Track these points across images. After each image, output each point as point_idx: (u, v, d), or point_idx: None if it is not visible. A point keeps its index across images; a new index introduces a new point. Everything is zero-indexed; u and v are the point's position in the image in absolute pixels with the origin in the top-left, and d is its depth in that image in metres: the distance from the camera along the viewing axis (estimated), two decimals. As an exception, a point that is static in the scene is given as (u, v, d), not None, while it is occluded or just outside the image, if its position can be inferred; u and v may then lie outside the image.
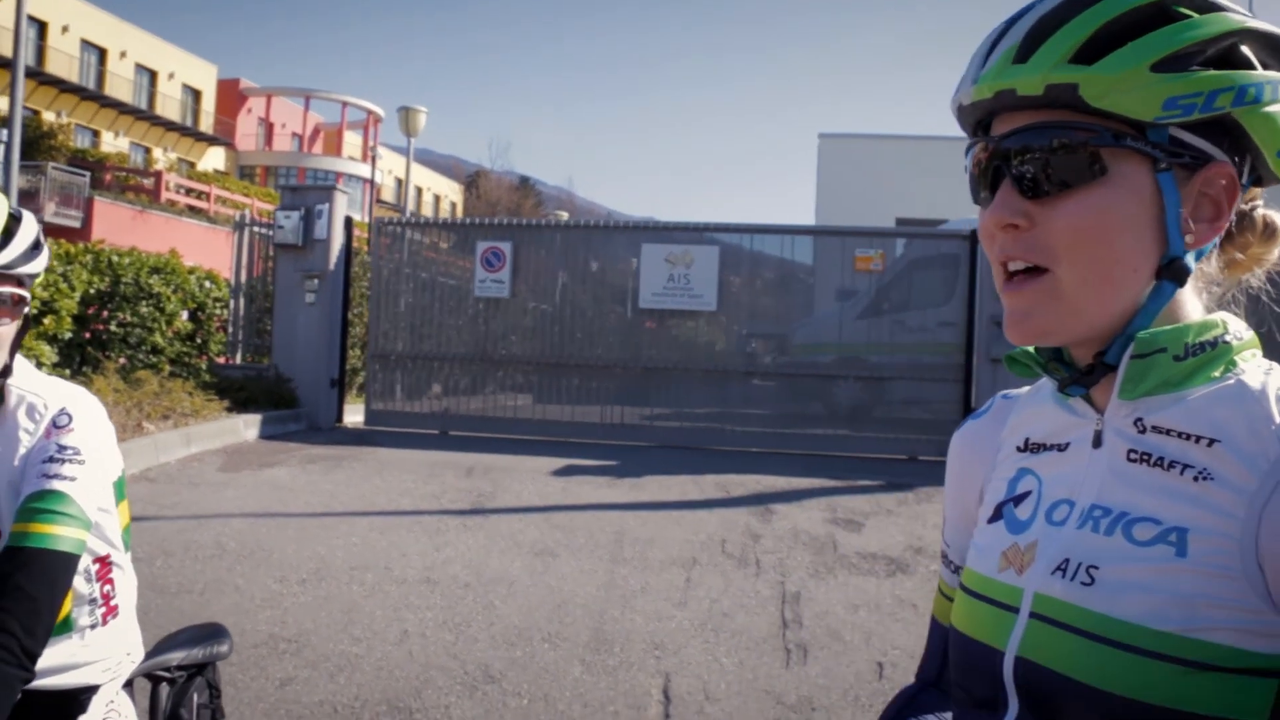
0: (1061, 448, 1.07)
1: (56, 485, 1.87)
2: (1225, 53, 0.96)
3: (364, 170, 50.12)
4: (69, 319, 12.28)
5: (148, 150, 49.97)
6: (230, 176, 49.79)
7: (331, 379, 12.89)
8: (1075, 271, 0.98)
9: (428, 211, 71.90)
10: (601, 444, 12.10)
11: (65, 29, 45.24)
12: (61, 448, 1.92)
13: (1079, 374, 1.03)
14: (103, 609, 2.17)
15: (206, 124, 54.38)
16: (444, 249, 13.97)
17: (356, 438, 12.04)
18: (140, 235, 27.43)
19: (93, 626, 2.16)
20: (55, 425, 1.96)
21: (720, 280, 12.58)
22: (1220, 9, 0.96)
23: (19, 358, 2.05)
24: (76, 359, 12.47)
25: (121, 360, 12.62)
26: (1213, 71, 0.94)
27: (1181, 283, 0.99)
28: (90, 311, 12.75)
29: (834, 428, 12.33)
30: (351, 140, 63.29)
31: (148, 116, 49.92)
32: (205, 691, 2.45)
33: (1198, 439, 0.95)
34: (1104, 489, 1.01)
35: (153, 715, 2.34)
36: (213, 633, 2.52)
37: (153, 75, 50.99)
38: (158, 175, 33.80)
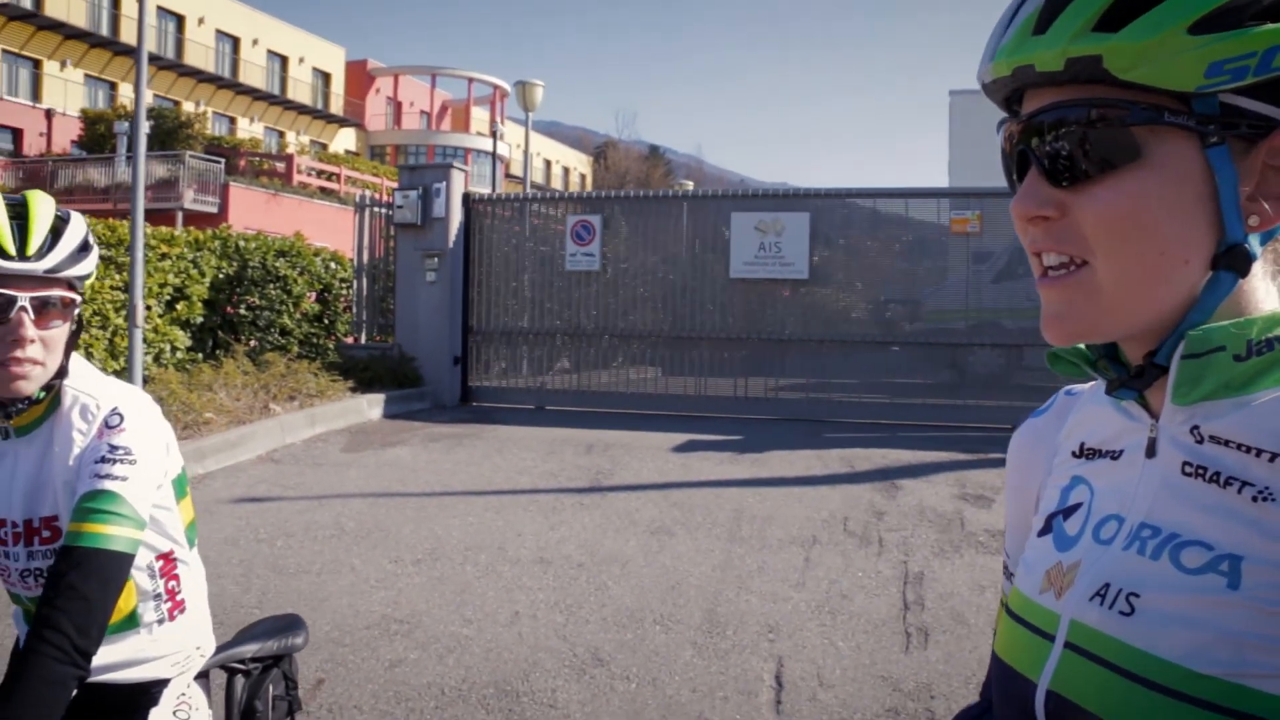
0: (1115, 455, 0.93)
1: (108, 485, 1.84)
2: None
3: (492, 145, 50.84)
4: (200, 304, 12.61)
5: (281, 134, 51.28)
6: (361, 157, 50.74)
7: (454, 357, 12.99)
8: (1114, 265, 0.83)
9: (557, 184, 72.37)
10: (727, 418, 11.97)
11: (201, 21, 46.73)
12: (113, 448, 1.89)
13: (1129, 375, 0.88)
14: (169, 604, 2.14)
15: (336, 106, 55.51)
16: (553, 224, 13.91)
17: (479, 415, 12.10)
18: (273, 218, 28.21)
19: (160, 621, 2.14)
20: (107, 425, 1.93)
21: (828, 246, 12.31)
22: None
23: (76, 357, 2.02)
24: (209, 343, 12.79)
25: (251, 343, 12.91)
26: (1268, 25, 0.77)
27: (1244, 272, 0.82)
28: (220, 296, 13.06)
29: (968, 398, 11.86)
30: (479, 116, 63.71)
31: (280, 101, 51.24)
32: (281, 683, 2.40)
33: (1259, 452, 0.80)
34: (1156, 505, 0.86)
35: (228, 707, 2.33)
36: (288, 624, 2.46)
37: (283, 60, 52.28)
38: (289, 159, 34.58)
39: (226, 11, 48.44)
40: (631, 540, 6.61)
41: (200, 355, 12.46)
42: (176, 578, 2.15)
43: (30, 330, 1.85)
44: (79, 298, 1.97)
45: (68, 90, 40.43)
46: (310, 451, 9.47)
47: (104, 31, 41.39)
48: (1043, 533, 0.97)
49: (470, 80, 64.11)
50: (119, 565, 1.81)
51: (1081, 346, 0.91)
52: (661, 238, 13.05)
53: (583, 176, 77.77)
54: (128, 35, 41.40)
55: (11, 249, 1.83)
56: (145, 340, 11.77)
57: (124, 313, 9.81)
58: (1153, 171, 0.80)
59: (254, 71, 49.83)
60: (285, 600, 5.49)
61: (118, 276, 11.26)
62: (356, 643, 4.95)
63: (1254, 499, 0.78)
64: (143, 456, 1.91)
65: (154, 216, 26.88)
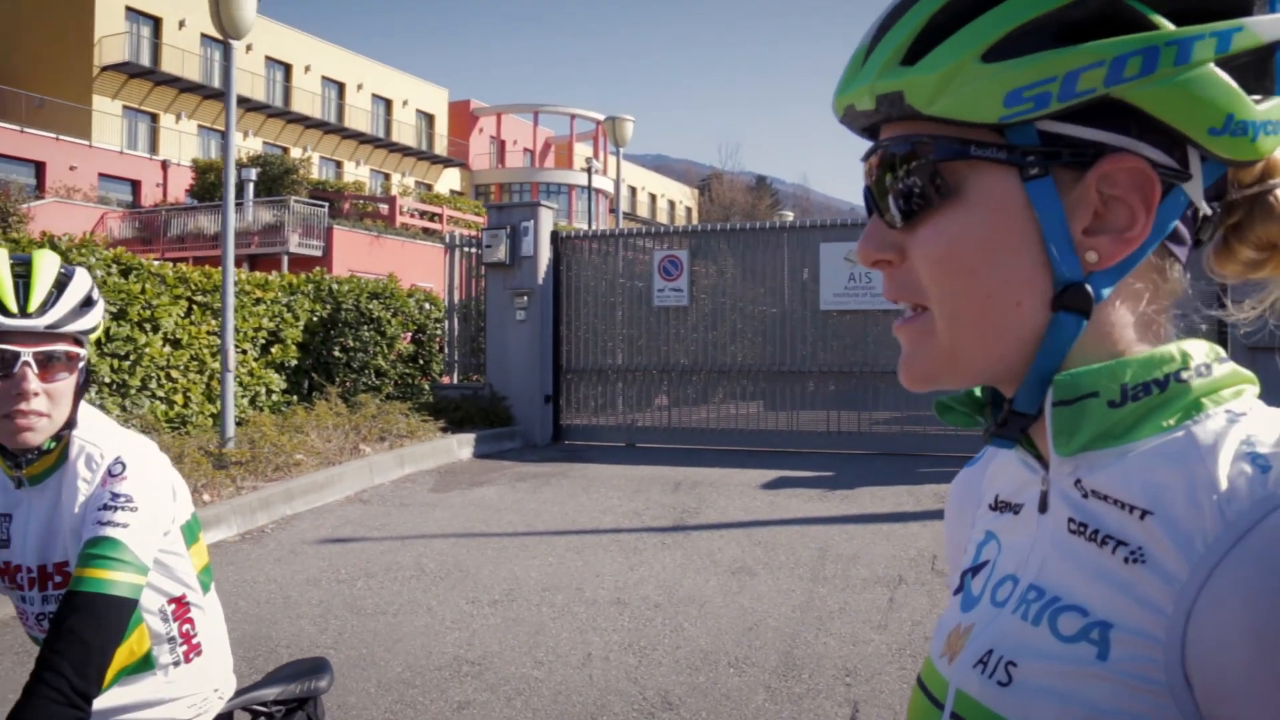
0: (1016, 510, 0.86)
1: (110, 532, 1.86)
2: (1103, 12, 0.71)
3: (597, 181, 51.22)
4: (294, 347, 12.85)
5: (386, 176, 52.38)
6: (464, 196, 51.56)
7: (545, 395, 13.02)
8: (944, 310, 0.78)
9: (663, 218, 72.66)
10: (819, 453, 11.80)
11: (307, 68, 48.14)
12: (115, 495, 1.92)
13: (996, 424, 0.82)
14: (184, 647, 2.15)
15: (440, 147, 56.55)
16: (643, 259, 13.89)
17: (569, 454, 12.10)
18: (377, 259, 28.72)
19: (175, 664, 2.15)
20: (110, 474, 1.96)
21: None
22: None
23: (84, 406, 2.07)
24: (304, 385, 13.01)
25: (345, 384, 13.10)
26: (1065, 48, 0.71)
27: (1086, 314, 0.75)
28: (314, 339, 13.30)
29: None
30: (582, 152, 64.39)
31: (385, 144, 52.38)
32: None
33: (1132, 509, 0.72)
34: (1045, 565, 0.79)
35: None
36: (314, 668, 2.43)
37: (388, 104, 53.50)
38: (392, 200, 35.19)
39: (332, 58, 49.85)
40: (711, 580, 6.50)
41: (295, 397, 12.69)
42: (191, 621, 2.16)
43: (34, 384, 1.91)
44: (83, 351, 2.01)
45: (182, 141, 41.91)
46: (398, 492, 9.53)
47: (215, 84, 42.82)
48: (956, 591, 0.91)
49: (572, 116, 64.84)
50: (119, 610, 1.81)
51: (974, 392, 0.85)
52: (751, 271, 12.95)
53: (688, 209, 78.02)
54: (240, 86, 42.69)
55: (13, 306, 1.89)
56: (241, 383, 12.04)
57: (219, 357, 10.03)
58: (971, 209, 0.75)
59: (359, 116, 51.08)
60: (360, 641, 5.49)
61: (213, 322, 11.53)
62: (426, 684, 4.91)
63: (1125, 560, 0.71)
64: (144, 504, 1.93)
65: (261, 261, 27.74)
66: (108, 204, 34.36)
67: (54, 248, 10.02)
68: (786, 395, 12.57)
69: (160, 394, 10.99)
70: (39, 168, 34.71)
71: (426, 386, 14.13)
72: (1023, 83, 0.70)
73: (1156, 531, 0.69)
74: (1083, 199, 0.73)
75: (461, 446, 11.47)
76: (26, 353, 1.89)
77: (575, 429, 13.29)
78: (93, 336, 2.05)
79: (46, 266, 1.96)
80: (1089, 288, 0.74)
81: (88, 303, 2.00)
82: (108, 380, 10.29)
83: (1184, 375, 0.74)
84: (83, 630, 1.75)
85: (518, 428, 12.72)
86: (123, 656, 2.04)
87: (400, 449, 10.58)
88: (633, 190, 69.55)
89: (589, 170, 31.47)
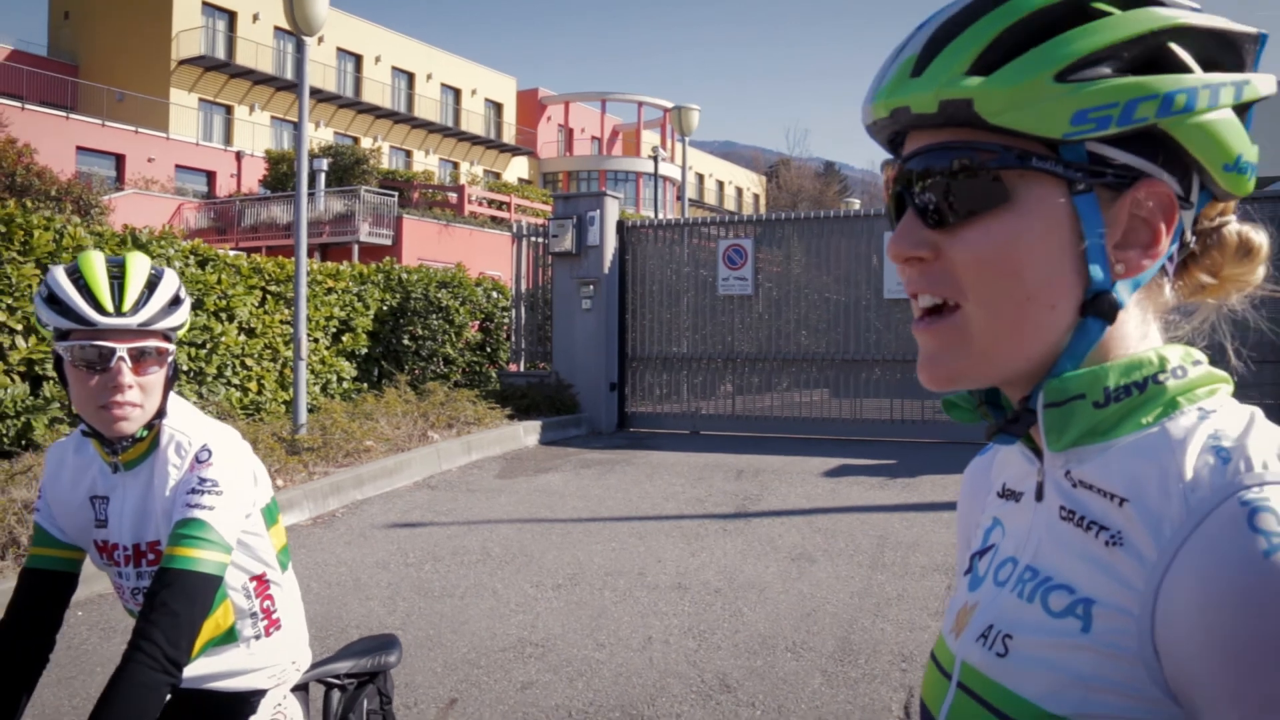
0: (1018, 498, 0.96)
1: (197, 514, 2.02)
2: (1153, 54, 0.81)
3: (664, 169, 51.14)
4: (364, 336, 13.11)
5: (455, 165, 52.77)
6: (533, 185, 51.81)
7: (610, 383, 13.16)
8: (983, 309, 0.85)
9: (730, 205, 72.47)
10: (882, 441, 11.82)
11: (378, 59, 48.69)
12: (202, 480, 2.07)
13: (1007, 420, 0.89)
14: (265, 622, 2.31)
15: (509, 135, 56.89)
16: (708, 248, 13.96)
17: (634, 441, 12.23)
18: (445, 248, 29.07)
19: (256, 637, 2.31)
20: (197, 460, 2.12)
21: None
22: (1150, 3, 0.81)
23: (174, 398, 2.22)
24: (374, 372, 13.27)
25: (415, 371, 13.35)
26: (1131, 78, 0.80)
27: (1110, 319, 0.84)
28: (384, 328, 13.55)
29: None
30: (650, 139, 64.24)
31: (454, 133, 52.83)
32: (375, 699, 2.54)
33: (1113, 497, 0.81)
34: (1041, 549, 0.88)
35: (325, 719, 2.46)
36: (384, 644, 2.57)
37: (457, 93, 53.92)
38: (460, 189, 35.50)
39: (401, 48, 50.35)
40: (772, 566, 6.59)
41: (365, 385, 12.95)
42: (271, 597, 2.31)
43: (128, 377, 2.06)
44: (172, 347, 2.17)
45: (255, 133, 42.63)
46: (465, 478, 9.73)
47: (288, 76, 43.47)
48: (966, 572, 1.00)
49: (640, 104, 64.78)
50: (206, 585, 1.97)
51: (969, 392, 0.92)
52: (816, 258, 12.96)
53: (756, 196, 77.64)
54: (312, 77, 43.34)
55: (109, 305, 2.04)
56: (313, 371, 12.32)
57: (292, 346, 10.29)
58: (1021, 216, 0.82)
59: (428, 105, 51.55)
60: (427, 622, 5.65)
61: (286, 311, 11.82)
62: (491, 664, 5.06)
63: (1106, 543, 0.80)
64: (229, 488, 2.08)
65: (332, 250, 28.18)
66: (184, 195, 35.13)
67: (135, 240, 10.33)
68: (850, 383, 12.59)
69: (235, 382, 11.30)
70: (119, 160, 35.58)
71: (494, 374, 14.34)
72: (1091, 104, 0.79)
73: (1133, 517, 0.78)
74: (1118, 216, 0.82)
75: (527, 433, 11.64)
76: (121, 348, 2.04)
77: (640, 416, 13.42)
78: (180, 333, 2.20)
79: (138, 268, 2.11)
80: (1115, 298, 0.83)
81: (175, 302, 2.15)
82: (185, 368, 10.59)
83: (1161, 378, 0.83)
84: (174, 603, 1.91)
85: (583, 415, 12.88)
86: (209, 629, 2.20)
87: (467, 436, 10.78)
88: (700, 177, 69.37)
89: (655, 158, 31.42)
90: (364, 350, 13.18)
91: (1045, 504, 0.89)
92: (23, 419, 8.84)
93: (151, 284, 2.11)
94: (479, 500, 8.75)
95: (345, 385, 12.78)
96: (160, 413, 2.16)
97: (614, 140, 66.46)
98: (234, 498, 2.08)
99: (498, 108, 56.80)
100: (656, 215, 27.97)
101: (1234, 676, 0.68)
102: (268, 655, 2.32)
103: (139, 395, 2.08)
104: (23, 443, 8.56)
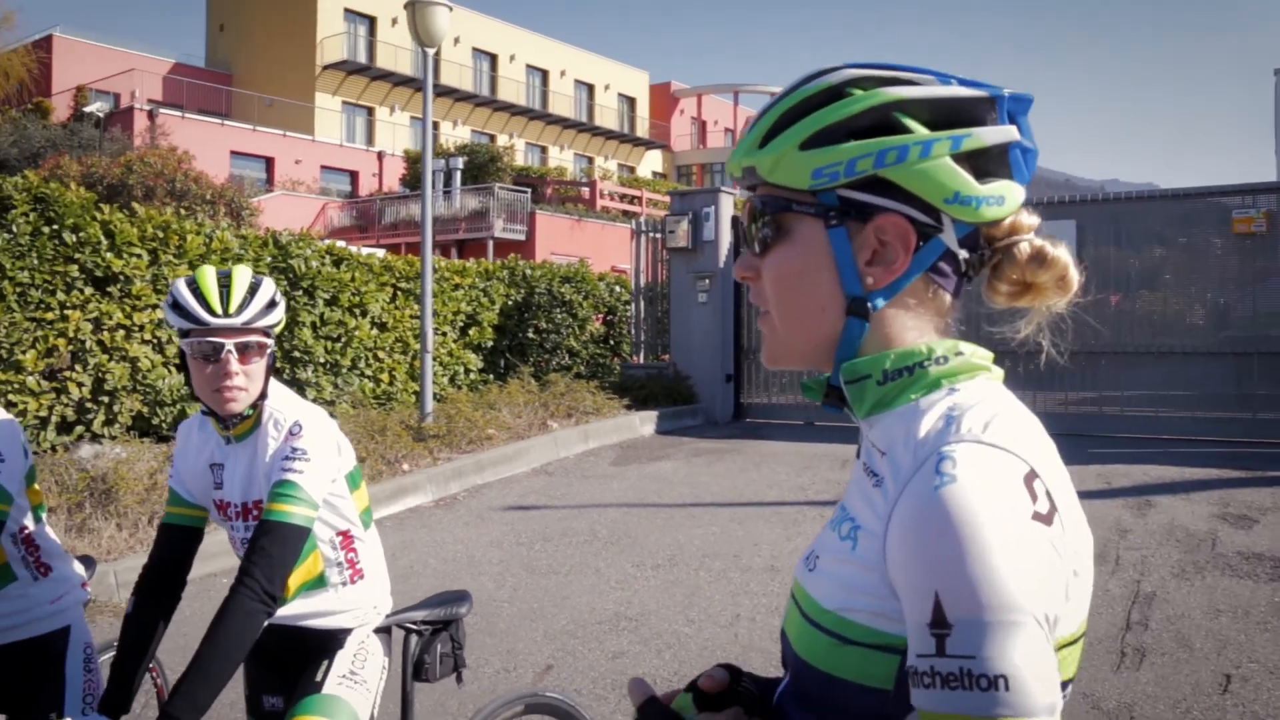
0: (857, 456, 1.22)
1: (290, 476, 2.45)
2: (882, 121, 1.08)
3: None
4: (490, 329, 13.69)
5: (589, 160, 53.49)
6: (666, 179, 52.14)
7: (726, 375, 13.47)
8: (778, 312, 1.16)
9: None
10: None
11: (512, 58, 49.73)
12: (294, 449, 2.50)
13: (827, 395, 1.18)
14: (349, 571, 2.73)
15: (642, 129, 57.37)
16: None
17: (747, 431, 12.51)
18: (577, 243, 29.70)
19: (343, 584, 2.74)
20: (290, 433, 2.55)
21: (1097, 253, 11.80)
22: (885, 83, 1.09)
23: (273, 383, 2.67)
24: (500, 364, 13.85)
25: (539, 363, 13.88)
26: (853, 142, 1.08)
27: (866, 319, 1.12)
28: (509, 321, 14.12)
29: (1259, 410, 11.13)
30: (785, 131, 63.59)
31: (588, 128, 53.62)
32: (449, 644, 2.94)
33: (881, 452, 1.08)
34: (849, 493, 1.15)
35: (404, 659, 2.92)
36: (456, 597, 2.98)
37: (590, 89, 54.71)
38: (592, 184, 36.21)
39: (535, 46, 51.32)
40: (863, 550, 6.82)
41: (491, 376, 13.53)
42: (355, 550, 2.74)
43: (235, 366, 2.51)
44: (270, 341, 2.61)
45: (395, 133, 44.02)
46: (581, 465, 10.17)
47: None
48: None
49: (773, 95, 64.41)
50: (297, 534, 2.41)
51: (824, 376, 1.21)
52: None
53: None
54: (448, 77, 44.68)
55: (219, 309, 2.50)
56: (441, 363, 12.94)
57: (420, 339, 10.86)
58: (795, 246, 1.13)
59: (562, 101, 52.37)
60: (532, 596, 6.08)
61: (415, 307, 12.45)
62: (587, 636, 5.46)
63: (874, 485, 1.07)
64: (316, 456, 2.51)
65: (468, 246, 29.05)
66: (328, 194, 36.60)
67: (276, 243, 11.07)
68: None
69: (368, 373, 11.98)
70: (269, 163, 37.29)
71: (616, 366, 14.78)
72: (822, 163, 1.08)
73: (887, 466, 1.05)
74: (865, 242, 1.10)
75: (644, 423, 12.04)
76: (229, 343, 2.49)
77: (755, 407, 13.70)
78: (276, 329, 2.64)
79: (241, 278, 2.56)
80: (868, 302, 1.12)
81: (271, 304, 2.59)
82: (322, 360, 11.29)
83: (926, 364, 1.10)
84: (270, 548, 2.35)
85: (700, 405, 13.21)
86: (302, 575, 2.62)
87: (585, 425, 11.23)
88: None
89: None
90: (490, 343, 13.77)
91: (859, 459, 1.16)
92: (179, 406, 9.64)
93: (252, 290, 2.56)
94: (592, 485, 9.18)
95: (472, 376, 13.39)
96: (262, 395, 2.59)
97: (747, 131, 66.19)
98: (320, 464, 2.50)
99: (631, 102, 57.31)
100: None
101: (914, 576, 0.95)
102: (353, 599, 2.73)
103: (244, 381, 2.52)
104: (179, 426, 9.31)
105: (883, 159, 1.07)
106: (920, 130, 1.07)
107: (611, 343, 15.59)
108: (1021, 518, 0.93)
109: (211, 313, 2.48)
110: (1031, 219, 1.16)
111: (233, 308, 2.50)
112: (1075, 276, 1.16)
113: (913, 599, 0.94)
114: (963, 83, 1.12)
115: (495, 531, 7.61)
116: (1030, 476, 0.96)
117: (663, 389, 13.07)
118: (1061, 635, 0.97)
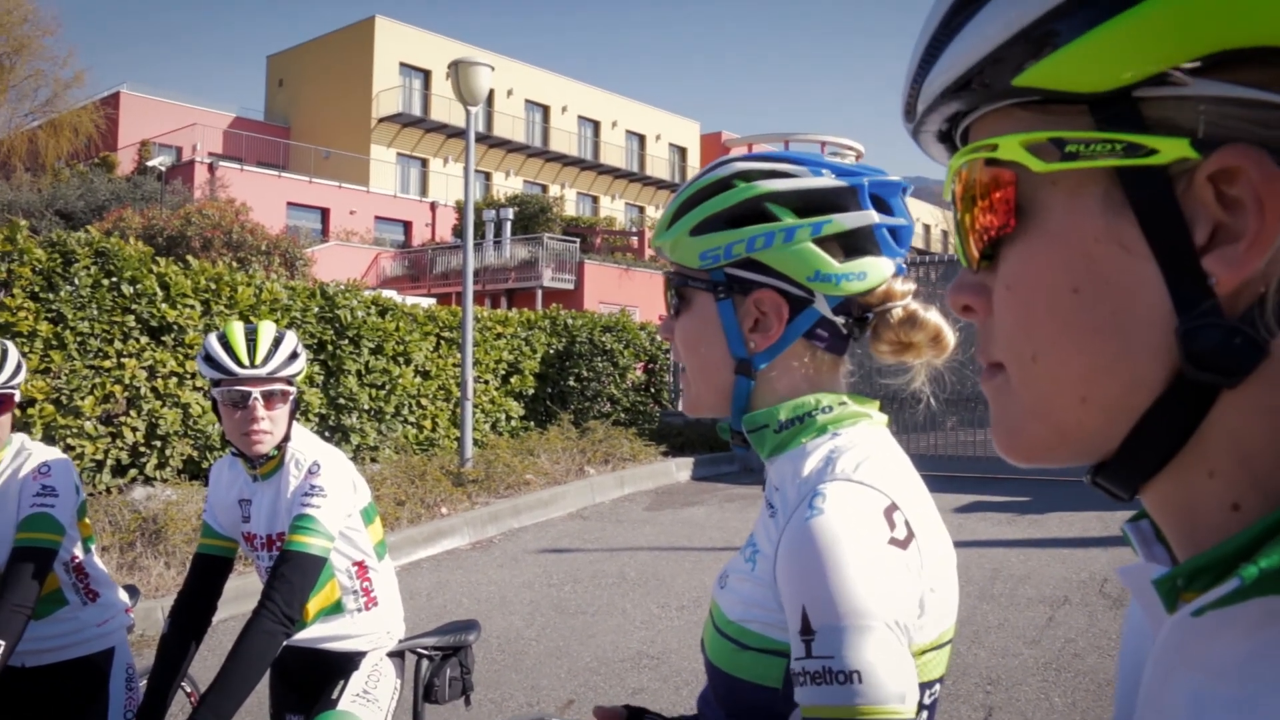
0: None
1: (309, 510, 2.73)
2: (756, 210, 1.27)
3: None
4: (531, 377, 13.99)
5: (640, 209, 53.61)
6: (718, 228, 51.92)
7: (764, 423, 13.61)
8: (689, 368, 1.38)
9: (918, 243, 71.55)
10: (1018, 479, 11.80)
11: (564, 109, 50.30)
12: (313, 486, 2.78)
13: (736, 440, 1.39)
14: (364, 599, 2.99)
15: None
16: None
17: (784, 479, 12.63)
18: (625, 292, 29.97)
19: (359, 610, 2.99)
20: (310, 472, 2.82)
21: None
22: (765, 176, 1.28)
23: (296, 426, 2.94)
24: (542, 411, 14.14)
25: (580, 410, 14.16)
26: (731, 230, 1.28)
27: (751, 376, 1.32)
28: (550, 370, 14.43)
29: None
30: (835, 179, 63.54)
31: (639, 178, 54.00)
32: (457, 669, 3.18)
33: (776, 488, 1.27)
34: (756, 524, 1.32)
35: (415, 682, 3.17)
36: (465, 625, 3.23)
37: (641, 139, 55.14)
38: (640, 234, 36.50)
39: (587, 98, 51.92)
40: (883, 594, 6.96)
41: (532, 423, 13.82)
42: (369, 579, 3.00)
43: (261, 412, 2.80)
44: (293, 389, 2.89)
45: (449, 184, 44.65)
46: (615, 510, 10.40)
47: (480, 128, 45.46)
48: None
49: (823, 144, 64.60)
50: (314, 564, 2.67)
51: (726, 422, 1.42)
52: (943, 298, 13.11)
53: (944, 232, 76.52)
54: (501, 129, 45.43)
55: (246, 360, 2.79)
56: (483, 410, 13.25)
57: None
58: (693, 315, 1.35)
59: (614, 152, 52.77)
60: (559, 635, 6.30)
61: (458, 355, 12.79)
62: (609, 673, 5.67)
63: (770, 516, 1.27)
64: (332, 493, 2.78)
65: (518, 295, 29.41)
66: (381, 244, 37.18)
67: (323, 293, 11.46)
68: (984, 418, 12.63)
69: (411, 419, 12.31)
70: (324, 213, 38.06)
71: (656, 413, 15.02)
72: (706, 247, 1.29)
73: (780, 500, 1.23)
74: (748, 312, 1.31)
75: (680, 469, 12.26)
76: (255, 391, 2.78)
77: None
78: (299, 379, 2.93)
79: (266, 332, 2.86)
80: (752, 364, 1.34)
81: (294, 356, 2.88)
82: (367, 407, 11.63)
83: (814, 413, 1.30)
84: (290, 575, 2.61)
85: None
86: (320, 601, 2.89)
87: (621, 471, 11.48)
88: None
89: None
90: (531, 391, 14.08)
91: (765, 495, 1.32)
92: (228, 449, 9.96)
93: (276, 343, 2.85)
94: (625, 530, 9.40)
95: (514, 423, 13.69)
96: (286, 437, 2.87)
97: (798, 181, 66.19)
98: (336, 500, 2.77)
99: (682, 152, 57.66)
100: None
101: (790, 591, 1.13)
102: (367, 625, 2.99)
103: (269, 425, 2.80)
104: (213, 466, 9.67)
105: (753, 244, 1.26)
106: (788, 218, 1.25)
107: (652, 390, 15.84)
108: (878, 542, 1.11)
109: (239, 364, 2.76)
110: (905, 286, 1.33)
111: (259, 359, 2.78)
112: (949, 336, 1.33)
113: (790, 611, 1.12)
114: (838, 172, 1.29)
115: (528, 573, 7.85)
116: (890, 509, 1.14)
117: (700, 436, 13.29)
118: (923, 642, 1.17)
